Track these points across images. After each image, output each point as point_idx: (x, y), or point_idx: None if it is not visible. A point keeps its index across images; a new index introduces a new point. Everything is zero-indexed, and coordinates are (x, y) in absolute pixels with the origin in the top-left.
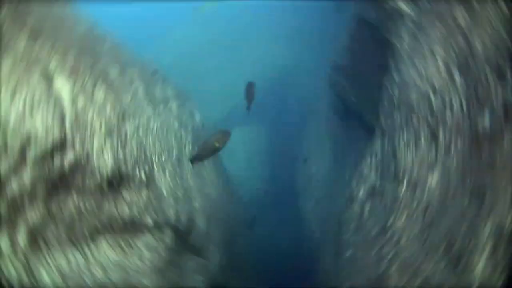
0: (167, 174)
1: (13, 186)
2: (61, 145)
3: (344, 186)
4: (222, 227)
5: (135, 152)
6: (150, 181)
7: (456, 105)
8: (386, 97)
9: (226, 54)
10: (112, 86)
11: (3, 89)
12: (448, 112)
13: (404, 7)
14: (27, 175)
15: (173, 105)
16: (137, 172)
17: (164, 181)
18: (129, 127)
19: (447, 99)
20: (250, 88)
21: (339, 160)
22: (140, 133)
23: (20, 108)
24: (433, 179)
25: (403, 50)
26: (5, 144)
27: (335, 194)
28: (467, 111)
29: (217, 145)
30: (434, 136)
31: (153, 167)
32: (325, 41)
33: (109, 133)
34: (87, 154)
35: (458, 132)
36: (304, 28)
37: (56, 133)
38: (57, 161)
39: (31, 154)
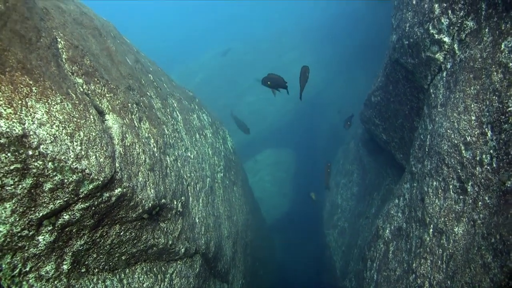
0: (201, 203)
1: (65, 218)
2: (111, 181)
3: (370, 220)
4: (246, 252)
5: (174, 185)
6: (185, 211)
7: (486, 161)
8: (417, 142)
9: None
10: (155, 118)
11: (63, 132)
12: (478, 167)
13: (441, 58)
14: (78, 208)
15: (208, 132)
16: (175, 203)
17: (197, 211)
18: (169, 159)
19: (478, 154)
20: (304, 72)
21: (365, 193)
22: (179, 164)
23: (78, 149)
24: (459, 230)
25: (438, 99)
26: (62, 181)
27: (359, 227)
28: (497, 168)
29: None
30: (462, 189)
31: (188, 197)
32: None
33: (152, 167)
34: (133, 189)
35: (487, 187)
36: (341, 60)
37: (107, 171)
38: (105, 195)
39: (84, 190)
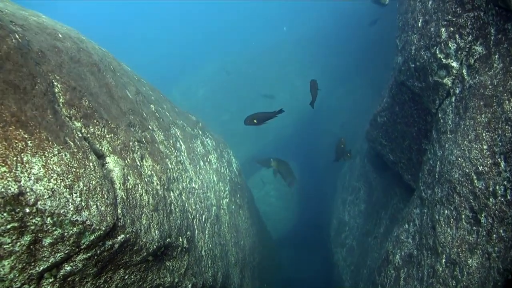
0: (207, 235)
1: (67, 269)
2: (113, 229)
3: (378, 240)
4: (254, 276)
5: (179, 221)
6: (191, 246)
7: (500, 193)
8: (427, 167)
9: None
10: (158, 153)
11: (62, 185)
12: (491, 198)
13: (450, 83)
14: (80, 259)
15: (212, 158)
16: (180, 240)
17: (203, 243)
18: (173, 195)
19: (491, 184)
20: (313, 85)
21: (372, 211)
22: (184, 197)
23: (78, 200)
24: (473, 263)
25: (447, 125)
26: (62, 235)
27: (368, 246)
28: (511, 200)
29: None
30: (476, 219)
31: (194, 231)
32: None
33: (156, 207)
34: (136, 233)
35: (502, 220)
36: (343, 70)
37: (109, 219)
38: (108, 243)
39: (85, 241)
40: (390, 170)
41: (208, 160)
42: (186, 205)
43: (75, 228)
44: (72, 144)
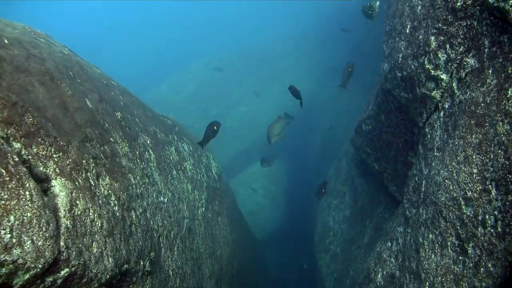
0: (176, 252)
1: None
2: (54, 264)
3: (362, 250)
4: (232, 285)
5: (140, 243)
6: (155, 268)
7: (490, 223)
8: (412, 183)
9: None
10: (119, 169)
11: None
12: (480, 228)
13: (438, 97)
14: None
15: (188, 165)
16: (141, 264)
17: (171, 262)
18: (135, 214)
19: (480, 213)
20: (348, 67)
21: (357, 217)
22: (149, 214)
23: (7, 237)
24: None
25: (434, 142)
26: None
27: (352, 256)
28: (502, 233)
29: (215, 128)
30: (462, 249)
31: (160, 250)
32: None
33: (111, 231)
34: (85, 264)
35: (490, 253)
36: (334, 67)
37: (48, 255)
38: (49, 279)
39: (18, 281)
40: (375, 180)
41: (183, 168)
42: (151, 223)
43: (3, 269)
44: (3, 172)
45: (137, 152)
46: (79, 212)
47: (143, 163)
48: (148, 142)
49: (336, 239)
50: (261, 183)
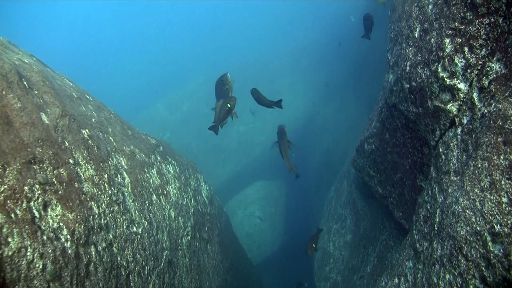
0: None
1: None
2: None
3: (364, 281)
4: None
5: (101, 284)
6: None
7: None
8: (423, 211)
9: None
10: (77, 196)
11: None
12: None
13: (455, 110)
14: None
15: (172, 188)
16: None
17: None
18: (95, 250)
19: None
20: (369, 18)
21: (359, 244)
22: (115, 249)
23: None
24: None
25: (450, 164)
26: None
27: (353, 286)
28: None
29: (229, 106)
30: None
31: None
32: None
33: (57, 274)
34: None
35: None
36: (333, 85)
37: None
38: None
39: None
40: (379, 204)
41: (165, 192)
42: (119, 259)
43: None
44: None
45: (106, 176)
46: (10, 253)
47: (112, 188)
48: (123, 163)
49: (336, 267)
50: (260, 205)
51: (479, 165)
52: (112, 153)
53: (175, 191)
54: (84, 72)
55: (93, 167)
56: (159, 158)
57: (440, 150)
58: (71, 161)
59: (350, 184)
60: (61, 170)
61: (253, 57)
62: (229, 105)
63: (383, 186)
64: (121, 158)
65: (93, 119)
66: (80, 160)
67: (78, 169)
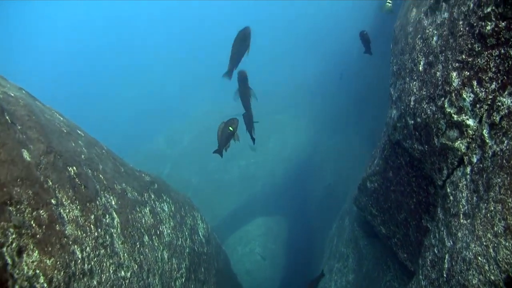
0: None
1: None
2: None
3: None
4: None
5: None
6: None
7: None
8: (430, 255)
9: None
10: (58, 240)
11: None
12: None
13: (463, 148)
14: None
15: (166, 228)
16: None
17: None
18: None
19: None
20: (364, 35)
21: (362, 284)
22: None
23: None
24: None
25: (459, 205)
26: None
27: None
28: None
29: (231, 129)
30: None
31: None
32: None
33: None
34: None
35: None
36: (335, 119)
37: None
38: None
39: None
40: (382, 244)
41: (158, 232)
42: None
43: None
44: None
45: (92, 217)
46: None
47: (99, 229)
48: (113, 203)
49: None
50: (260, 241)
51: (492, 208)
52: (102, 192)
53: (169, 231)
54: (83, 102)
55: (78, 207)
56: (153, 196)
57: (448, 190)
58: (53, 201)
59: (352, 222)
60: (41, 211)
61: (255, 89)
62: (231, 128)
63: (386, 226)
64: (111, 197)
65: (83, 156)
66: (64, 200)
67: (61, 210)
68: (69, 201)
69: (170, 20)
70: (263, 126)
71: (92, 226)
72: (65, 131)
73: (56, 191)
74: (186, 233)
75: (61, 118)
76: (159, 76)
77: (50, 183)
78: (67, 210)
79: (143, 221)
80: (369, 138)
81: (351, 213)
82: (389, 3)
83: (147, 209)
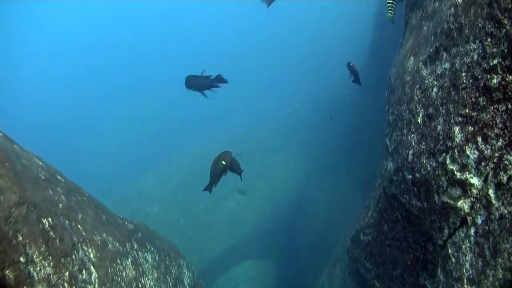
0: None
1: None
2: None
3: None
4: None
5: None
6: None
7: None
8: None
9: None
10: None
11: None
12: None
13: (467, 208)
14: None
15: (149, 280)
16: None
17: None
18: None
19: None
20: (351, 66)
21: None
22: None
23: None
24: None
25: (462, 269)
26: None
27: None
28: None
29: (224, 163)
30: None
31: None
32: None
33: None
34: None
35: None
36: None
37: None
38: None
39: None
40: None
41: (140, 285)
42: None
43: None
44: None
45: (67, 273)
46: None
47: (74, 287)
48: (91, 256)
49: None
50: (249, 285)
51: (501, 276)
52: (79, 245)
53: (152, 283)
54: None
55: (51, 264)
56: (136, 245)
57: (450, 251)
58: (22, 259)
59: (343, 270)
60: (6, 272)
61: (244, 131)
62: (223, 162)
63: (381, 280)
64: (90, 250)
65: (61, 205)
66: (35, 256)
67: (31, 268)
68: (40, 258)
69: (163, 59)
70: (252, 170)
71: (66, 284)
72: (43, 177)
73: (27, 247)
74: (171, 284)
75: (40, 163)
76: (148, 118)
77: (20, 238)
78: (38, 268)
79: (124, 274)
80: (361, 181)
81: (342, 260)
82: (391, 13)
83: (129, 260)
